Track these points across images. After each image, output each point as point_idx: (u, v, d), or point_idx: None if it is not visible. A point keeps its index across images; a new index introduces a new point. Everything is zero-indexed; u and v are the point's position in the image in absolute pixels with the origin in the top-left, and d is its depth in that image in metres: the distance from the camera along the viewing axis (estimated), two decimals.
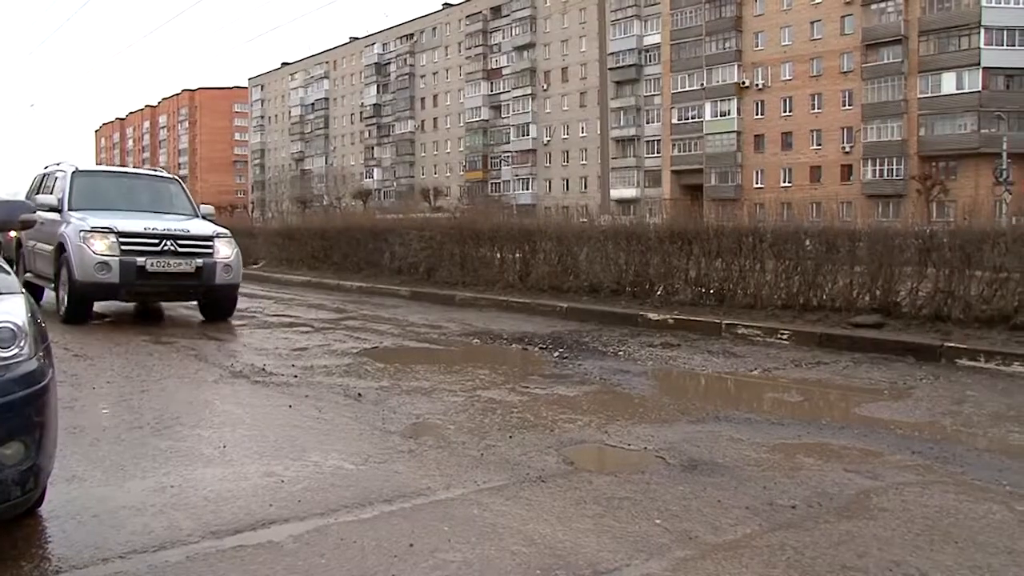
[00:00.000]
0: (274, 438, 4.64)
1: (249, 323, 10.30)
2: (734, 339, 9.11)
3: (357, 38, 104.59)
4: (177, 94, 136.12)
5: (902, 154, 56.91)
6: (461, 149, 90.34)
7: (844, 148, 59.97)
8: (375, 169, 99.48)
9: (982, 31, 53.38)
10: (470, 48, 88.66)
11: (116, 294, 9.68)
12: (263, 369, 6.89)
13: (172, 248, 9.56)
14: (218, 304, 10.39)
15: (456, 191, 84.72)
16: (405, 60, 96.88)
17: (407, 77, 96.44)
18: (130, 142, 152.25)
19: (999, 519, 3.57)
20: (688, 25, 68.04)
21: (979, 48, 53.46)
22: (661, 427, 5.12)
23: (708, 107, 67.06)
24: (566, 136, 79.79)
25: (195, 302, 10.70)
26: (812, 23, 61.45)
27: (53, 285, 10.18)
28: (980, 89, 53.50)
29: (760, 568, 2.97)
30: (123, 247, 9.35)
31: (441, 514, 3.42)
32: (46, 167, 12.39)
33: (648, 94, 73.57)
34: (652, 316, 10.19)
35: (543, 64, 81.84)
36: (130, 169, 13.45)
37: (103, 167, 16.18)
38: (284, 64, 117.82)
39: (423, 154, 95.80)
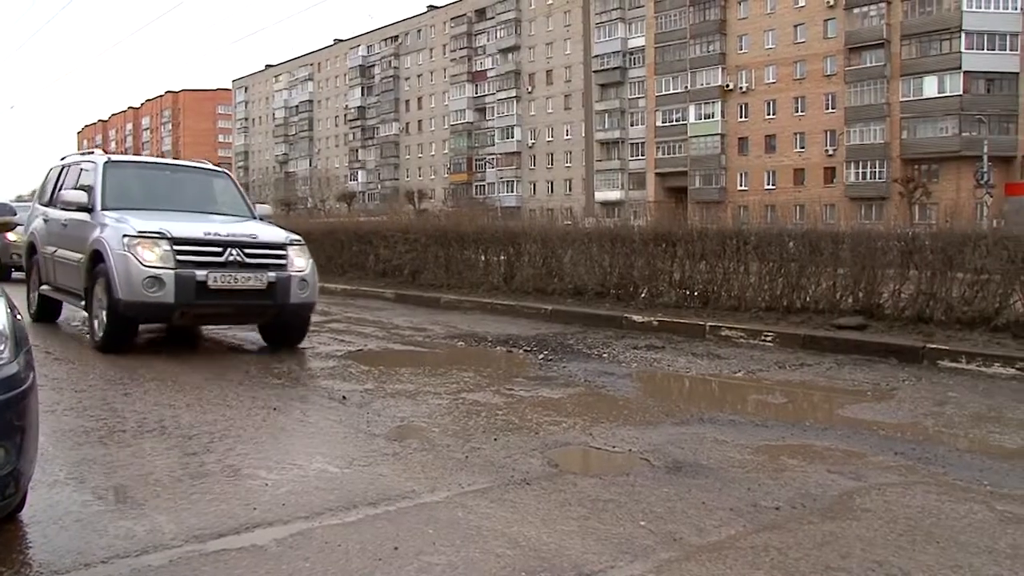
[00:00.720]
0: (258, 441, 4.62)
1: (234, 326, 10.23)
2: (718, 341, 9.14)
3: (341, 40, 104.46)
4: (160, 96, 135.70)
5: (884, 157, 57.29)
6: (446, 151, 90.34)
7: (827, 151, 60.30)
8: (359, 171, 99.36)
9: (963, 35, 53.82)
10: (455, 50, 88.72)
11: (168, 316, 7.79)
12: (247, 372, 6.87)
13: (238, 259, 7.67)
14: (289, 328, 8.43)
15: (441, 193, 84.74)
16: (390, 62, 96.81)
17: (392, 79, 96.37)
18: (113, 144, 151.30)
19: (980, 518, 3.59)
20: (672, 28, 68.26)
21: (960, 52, 53.89)
22: (646, 429, 5.13)
23: (692, 110, 67.29)
24: (551, 138, 79.92)
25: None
26: (795, 26, 61.79)
27: (83, 303, 8.22)
28: (961, 93, 53.93)
29: (744, 569, 2.98)
30: (178, 257, 7.44)
31: (426, 517, 3.41)
32: (63, 158, 10.55)
33: (632, 97, 73.81)
34: (636, 318, 10.21)
35: (528, 66, 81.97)
36: (171, 160, 11.72)
37: (140, 157, 13.62)
38: (268, 66, 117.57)
39: (408, 156, 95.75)
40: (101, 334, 7.73)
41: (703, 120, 66.93)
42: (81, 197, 8.46)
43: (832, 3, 59.43)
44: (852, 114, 58.55)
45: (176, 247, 7.47)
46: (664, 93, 68.97)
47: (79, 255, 8.23)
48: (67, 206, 8.59)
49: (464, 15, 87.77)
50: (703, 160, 66.43)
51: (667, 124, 68.82)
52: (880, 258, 9.54)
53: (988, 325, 8.36)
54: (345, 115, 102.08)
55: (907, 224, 12.60)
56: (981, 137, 47.31)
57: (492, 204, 68.74)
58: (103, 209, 8.25)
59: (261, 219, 9.25)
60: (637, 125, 73.10)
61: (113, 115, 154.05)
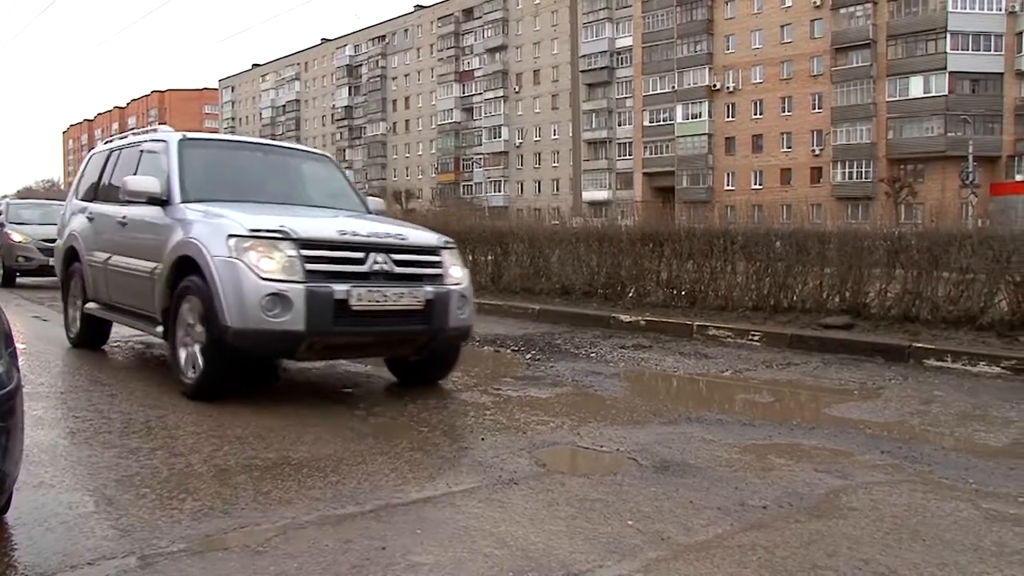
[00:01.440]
0: (246, 439, 4.60)
1: None
2: (705, 340, 9.16)
3: (329, 40, 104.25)
4: (146, 95, 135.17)
5: (871, 157, 57.58)
6: (433, 151, 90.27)
7: (814, 151, 60.56)
8: (347, 171, 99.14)
9: (948, 36, 54.15)
10: (442, 50, 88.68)
11: (293, 350, 5.54)
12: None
13: (385, 267, 5.66)
14: (440, 360, 6.47)
15: (428, 193, 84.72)
16: (377, 62, 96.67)
17: (379, 79, 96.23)
18: (99, 143, 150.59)
19: (965, 516, 3.62)
20: (660, 28, 68.40)
21: (945, 52, 54.22)
22: (633, 429, 5.13)
23: (679, 109, 67.46)
24: (538, 138, 79.97)
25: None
26: (782, 27, 62.03)
27: (159, 329, 6.18)
28: (947, 93, 54.27)
29: (731, 568, 2.98)
30: (308, 266, 5.38)
31: (414, 516, 3.41)
32: (108, 141, 8.60)
33: (620, 96, 73.92)
34: (624, 318, 10.22)
35: (515, 66, 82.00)
36: (261, 140, 9.23)
37: (222, 136, 8.99)
38: (255, 65, 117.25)
39: (395, 156, 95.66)
40: (194, 374, 5.65)
41: (690, 120, 67.12)
42: (152, 185, 6.34)
43: (819, 3, 59.69)
44: (839, 114, 58.83)
45: (304, 252, 5.40)
46: (651, 93, 69.12)
47: (151, 264, 6.24)
48: (132, 197, 6.43)
49: (451, 15, 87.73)
50: (690, 160, 66.62)
51: (654, 124, 68.98)
52: (866, 258, 9.59)
53: (973, 324, 8.42)
54: (332, 115, 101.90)
55: (893, 224, 12.66)
56: (966, 137, 47.61)
57: (480, 204, 68.89)
58: (184, 201, 6.23)
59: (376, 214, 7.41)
60: (624, 125, 73.22)
61: (99, 114, 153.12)
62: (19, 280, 16.10)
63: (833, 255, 9.83)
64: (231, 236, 5.43)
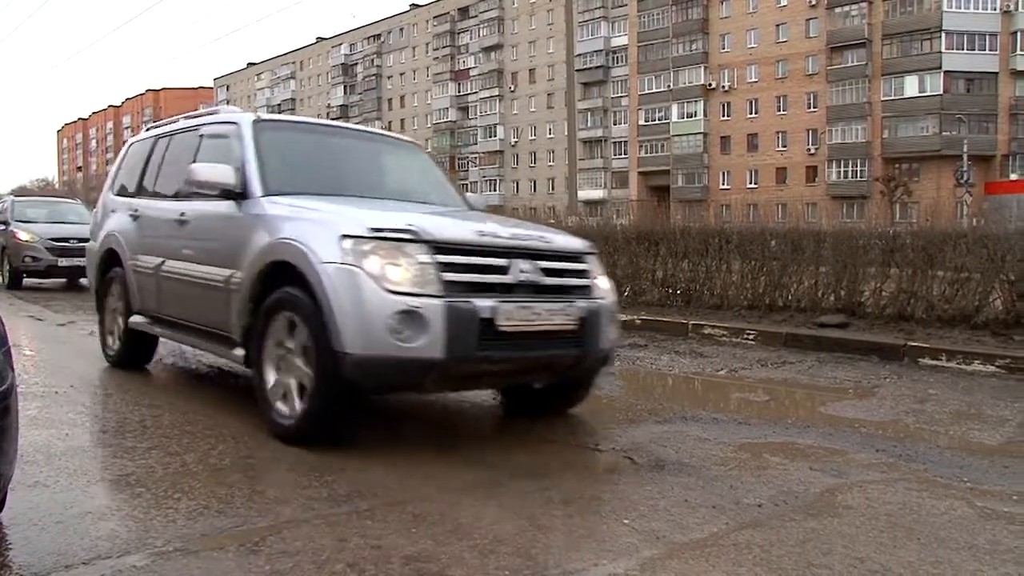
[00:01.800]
0: (245, 442, 4.59)
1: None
2: (701, 339, 9.17)
3: (324, 38, 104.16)
4: (141, 94, 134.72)
5: (866, 156, 57.70)
6: (428, 150, 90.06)
7: (809, 150, 60.68)
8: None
9: (943, 35, 54.29)
10: (437, 49, 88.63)
11: (422, 381, 4.39)
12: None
13: (532, 277, 4.57)
14: (576, 386, 5.40)
15: None
16: (372, 61, 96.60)
17: (374, 78, 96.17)
18: (93, 142, 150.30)
19: (960, 515, 3.62)
20: (655, 27, 68.49)
21: (940, 52, 54.39)
22: (629, 427, 5.14)
23: (675, 108, 67.56)
24: (533, 137, 79.98)
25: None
26: (777, 26, 62.13)
27: (237, 352, 5.01)
28: (942, 92, 54.43)
29: (727, 567, 2.99)
30: (445, 276, 4.27)
31: (410, 514, 3.41)
32: (149, 127, 7.68)
33: (615, 95, 73.96)
34: (619, 316, 10.21)
35: (511, 65, 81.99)
36: (343, 124, 8.21)
37: (301, 118, 7.63)
38: (250, 64, 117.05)
39: None
40: (291, 412, 4.48)
41: (686, 119, 67.21)
42: (226, 175, 5.20)
43: (814, 3, 59.81)
44: (834, 113, 58.94)
45: (439, 258, 4.27)
46: (647, 92, 69.21)
47: (224, 271, 5.11)
48: (202, 189, 5.29)
49: (447, 14, 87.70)
50: (686, 159, 66.72)
51: (650, 123, 69.07)
52: (861, 257, 9.61)
53: (968, 323, 8.44)
54: (328, 113, 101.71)
55: (888, 223, 12.69)
56: (961, 136, 47.78)
57: None
58: (267, 194, 5.09)
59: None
60: (620, 124, 73.26)
61: (93, 113, 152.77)
62: (26, 282, 15.45)
63: (828, 254, 9.85)
64: (346, 237, 4.27)
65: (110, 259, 6.92)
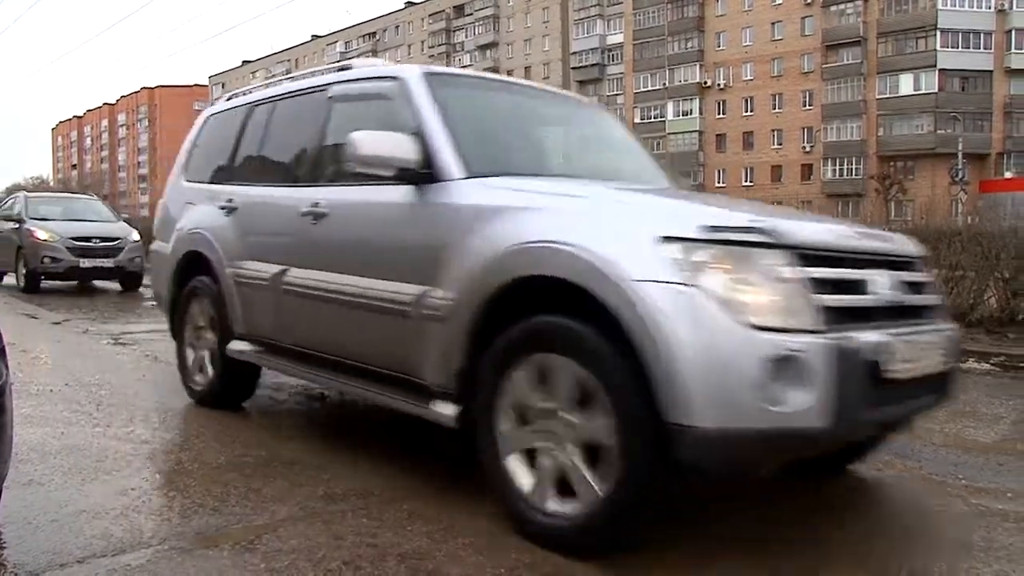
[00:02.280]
0: (241, 443, 4.59)
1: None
2: None
3: (319, 36, 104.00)
4: (136, 92, 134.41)
5: (861, 154, 57.81)
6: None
7: (804, 148, 60.78)
8: None
9: (938, 33, 54.41)
10: (433, 47, 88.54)
11: (785, 462, 3.60)
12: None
13: (899, 295, 3.17)
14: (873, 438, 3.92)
15: None
16: (367, 59, 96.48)
17: None
18: (88, 140, 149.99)
19: (955, 512, 3.63)
20: (651, 25, 68.53)
21: (935, 50, 54.50)
22: None
23: (670, 106, 67.63)
24: None
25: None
26: (773, 24, 62.21)
27: (445, 411, 3.41)
28: (937, 90, 54.54)
29: (725, 564, 2.99)
30: (818, 298, 2.75)
31: (406, 512, 3.41)
32: (233, 93, 6.17)
33: (611, 93, 73.94)
34: None
35: (506, 63, 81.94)
36: (522, 81, 5.44)
37: (469, 72, 6.19)
38: (245, 62, 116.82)
39: None
40: (567, 510, 2.98)
41: (681, 117, 67.29)
42: (404, 148, 3.63)
43: (809, 1, 59.86)
44: (829, 111, 59.05)
45: (809, 271, 2.80)
46: (642, 90, 69.27)
47: (410, 287, 3.58)
48: (370, 168, 3.62)
49: (442, 11, 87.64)
50: (681, 157, 66.73)
51: (645, 121, 69.10)
52: None
53: (963, 321, 8.45)
54: None
55: (883, 220, 12.70)
56: (956, 134, 47.87)
57: None
58: (471, 176, 3.57)
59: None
60: None
61: (88, 111, 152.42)
62: (44, 285, 14.33)
63: None
64: (669, 240, 2.76)
65: (193, 265, 5.32)
